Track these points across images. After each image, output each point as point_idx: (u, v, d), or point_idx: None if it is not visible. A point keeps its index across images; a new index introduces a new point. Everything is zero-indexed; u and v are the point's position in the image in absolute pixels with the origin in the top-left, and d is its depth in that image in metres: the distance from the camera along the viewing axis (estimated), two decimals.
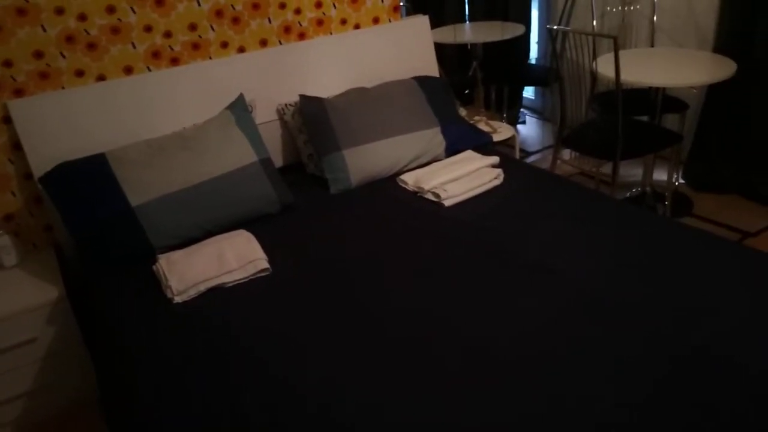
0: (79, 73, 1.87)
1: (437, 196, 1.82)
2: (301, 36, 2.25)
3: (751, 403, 1.01)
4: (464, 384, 1.11)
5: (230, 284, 1.50)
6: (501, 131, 2.85)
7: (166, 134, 1.85)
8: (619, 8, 3.06)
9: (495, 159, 2.01)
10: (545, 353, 1.16)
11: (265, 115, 2.14)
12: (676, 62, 2.41)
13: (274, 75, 2.14)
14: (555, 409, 1.03)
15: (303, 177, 2.10)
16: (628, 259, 1.43)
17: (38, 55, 1.79)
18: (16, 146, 1.82)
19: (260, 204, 1.80)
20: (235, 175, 1.76)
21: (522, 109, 3.85)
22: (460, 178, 1.89)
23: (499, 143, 2.73)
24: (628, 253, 1.45)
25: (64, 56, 1.83)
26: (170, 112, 1.96)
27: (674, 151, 2.57)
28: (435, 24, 2.65)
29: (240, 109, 1.94)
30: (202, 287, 1.48)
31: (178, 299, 1.46)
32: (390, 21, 2.43)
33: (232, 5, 2.06)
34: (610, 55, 2.21)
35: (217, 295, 1.47)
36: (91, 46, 1.86)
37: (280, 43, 2.21)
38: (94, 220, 1.63)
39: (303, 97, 2.08)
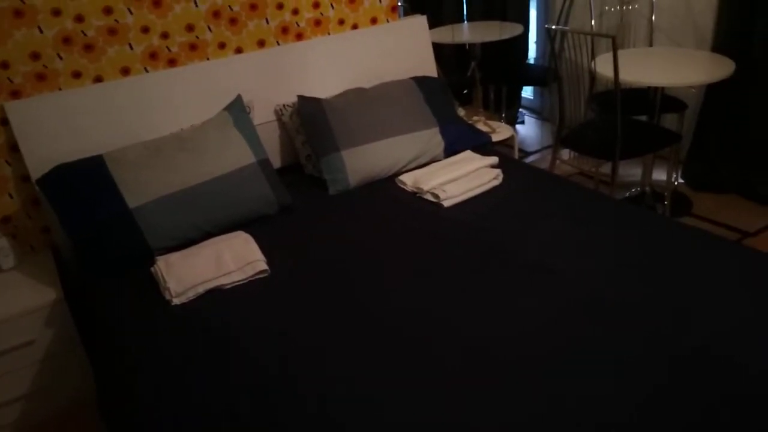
0: (76, 75, 1.86)
1: (436, 196, 1.81)
2: (299, 36, 2.24)
3: (751, 403, 1.00)
4: (464, 384, 1.10)
5: (229, 286, 1.50)
6: (500, 131, 2.85)
7: (164, 135, 1.85)
8: (618, 8, 3.06)
9: (494, 159, 2.00)
10: (545, 353, 1.16)
11: (263, 115, 2.14)
12: (674, 62, 2.41)
13: (272, 76, 2.13)
14: (555, 409, 1.03)
15: (301, 178, 2.09)
16: (627, 258, 1.43)
17: (35, 56, 1.78)
18: (13, 148, 1.82)
19: (258, 205, 1.79)
20: (233, 177, 1.76)
21: (520, 109, 3.85)
22: (459, 178, 1.88)
23: (497, 143, 2.73)
24: (628, 252, 1.45)
25: (61, 57, 1.82)
26: (168, 113, 1.96)
27: (673, 150, 2.57)
28: (433, 24, 2.65)
29: (238, 110, 1.93)
30: (201, 289, 1.48)
31: (176, 301, 1.46)
32: (388, 21, 2.42)
33: (229, 6, 2.05)
34: (609, 55, 2.21)
35: (215, 296, 1.47)
36: (88, 48, 1.86)
37: (278, 44, 2.20)
38: (91, 222, 1.63)
39: (301, 97, 2.07)
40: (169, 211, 1.66)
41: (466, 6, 3.81)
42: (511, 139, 2.88)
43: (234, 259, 1.53)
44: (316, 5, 2.24)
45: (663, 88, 2.54)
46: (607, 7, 3.10)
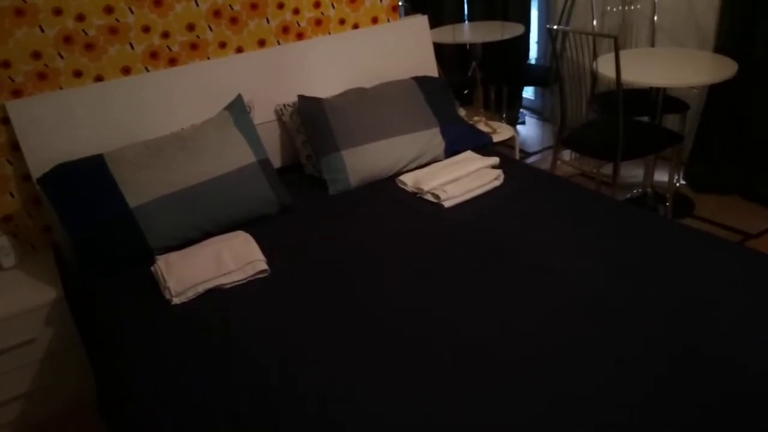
0: (77, 74, 1.86)
1: (437, 197, 1.81)
2: (300, 36, 2.24)
3: (751, 403, 1.00)
4: (464, 384, 1.10)
5: (229, 285, 1.50)
6: (500, 132, 2.84)
7: (164, 135, 1.85)
8: (620, 8, 3.06)
9: (495, 160, 2.00)
10: (545, 353, 1.15)
11: (263, 115, 2.13)
12: (676, 62, 2.40)
13: (273, 75, 2.13)
14: (555, 409, 1.03)
15: (301, 178, 2.09)
16: (628, 260, 1.42)
17: (36, 55, 1.79)
18: (15, 147, 1.82)
19: (258, 205, 1.79)
20: (234, 176, 1.76)
21: (521, 110, 3.84)
22: (460, 178, 1.88)
23: (498, 144, 2.72)
24: (629, 254, 1.45)
25: (62, 57, 1.82)
26: (168, 113, 1.96)
27: (675, 151, 2.56)
28: (434, 24, 2.65)
29: (238, 109, 1.93)
30: (201, 288, 1.47)
31: (176, 300, 1.45)
32: (389, 21, 2.42)
33: (230, 5, 2.06)
34: (611, 55, 2.20)
35: (215, 296, 1.47)
36: (89, 47, 1.86)
37: (279, 43, 2.20)
38: (92, 221, 1.63)
39: (301, 97, 2.07)
40: (169, 210, 1.66)
41: (467, 6, 3.81)
42: (511, 139, 2.87)
43: (234, 258, 1.53)
44: (317, 5, 2.24)
45: (665, 89, 2.53)
46: (609, 7, 3.09)
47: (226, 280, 1.49)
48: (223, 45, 2.09)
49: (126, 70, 1.94)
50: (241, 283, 1.51)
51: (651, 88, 2.55)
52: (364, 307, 1.35)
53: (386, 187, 1.96)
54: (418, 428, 1.02)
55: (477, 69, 3.09)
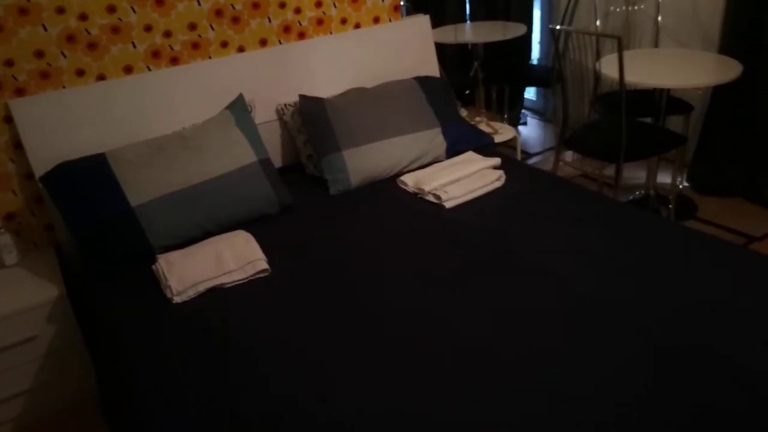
0: (80, 73, 1.87)
1: (438, 197, 1.81)
2: (301, 35, 2.24)
3: (751, 403, 1.00)
4: (464, 384, 1.10)
5: (229, 284, 1.50)
6: (502, 132, 2.84)
7: (166, 134, 1.85)
8: (623, 8, 3.05)
9: (496, 160, 2.00)
10: (545, 353, 1.15)
11: (264, 115, 2.14)
12: (680, 63, 2.39)
13: (274, 75, 2.13)
14: (555, 409, 1.02)
15: (302, 177, 2.09)
16: (630, 261, 1.42)
17: (39, 54, 1.79)
18: (17, 145, 1.83)
19: (259, 204, 1.79)
20: (235, 176, 1.76)
21: (523, 110, 3.84)
22: (461, 179, 1.88)
23: (500, 144, 2.72)
24: (631, 255, 1.44)
25: (64, 56, 1.83)
26: (170, 112, 1.96)
27: (678, 153, 2.55)
28: (436, 24, 2.64)
29: (239, 109, 1.94)
30: (201, 287, 1.48)
31: (177, 299, 1.46)
32: (390, 20, 2.42)
33: (231, 5, 2.06)
34: (614, 56, 2.20)
35: (216, 295, 1.47)
36: (92, 46, 1.86)
37: (280, 43, 2.20)
38: (94, 220, 1.63)
39: (303, 97, 2.07)
40: (170, 209, 1.67)
41: (469, 6, 3.80)
42: (513, 140, 2.87)
43: (234, 258, 1.53)
44: (319, 4, 2.24)
45: (669, 90, 2.52)
46: (612, 8, 3.09)
47: (227, 280, 1.50)
48: (224, 44, 2.09)
49: (128, 70, 1.94)
50: (241, 282, 1.51)
51: (654, 89, 2.54)
52: (364, 307, 1.35)
53: (387, 187, 1.96)
54: (418, 428, 1.02)
55: (479, 69, 3.09)
